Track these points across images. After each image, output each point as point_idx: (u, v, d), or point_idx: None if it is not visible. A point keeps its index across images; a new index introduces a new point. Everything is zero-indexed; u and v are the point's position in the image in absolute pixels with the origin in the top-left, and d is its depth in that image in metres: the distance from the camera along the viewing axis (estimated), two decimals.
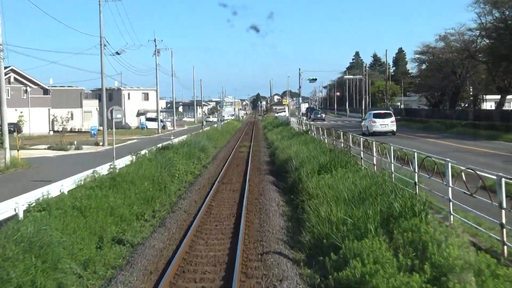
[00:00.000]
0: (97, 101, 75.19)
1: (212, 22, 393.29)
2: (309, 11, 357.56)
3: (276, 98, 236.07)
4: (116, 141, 47.25)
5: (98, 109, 74.04)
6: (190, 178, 21.30)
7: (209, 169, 24.44)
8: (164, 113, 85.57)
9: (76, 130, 68.69)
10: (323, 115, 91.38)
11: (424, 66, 70.69)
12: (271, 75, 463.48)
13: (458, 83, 60.13)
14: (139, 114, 78.50)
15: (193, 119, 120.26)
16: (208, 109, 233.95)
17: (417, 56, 70.19)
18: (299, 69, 70.84)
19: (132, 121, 78.54)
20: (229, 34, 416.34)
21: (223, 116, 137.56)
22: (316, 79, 70.51)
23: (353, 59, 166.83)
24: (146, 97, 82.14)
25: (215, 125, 56.44)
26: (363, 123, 41.39)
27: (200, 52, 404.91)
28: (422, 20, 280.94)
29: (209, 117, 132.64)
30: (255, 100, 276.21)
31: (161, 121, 77.10)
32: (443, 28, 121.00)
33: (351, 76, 74.82)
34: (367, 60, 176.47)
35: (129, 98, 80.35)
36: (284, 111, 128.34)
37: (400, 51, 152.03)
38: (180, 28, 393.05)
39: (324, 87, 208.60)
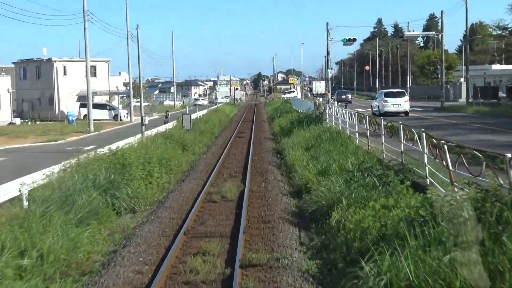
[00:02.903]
0: (9, 78, 48.16)
1: None
2: None
3: (280, 76, 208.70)
4: None
5: (10, 90, 47.06)
6: None
7: None
8: (119, 96, 58.31)
9: None
10: (349, 96, 68.03)
11: None
12: (274, 51, 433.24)
13: None
14: (81, 97, 51.33)
15: (177, 103, 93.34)
16: (204, 89, 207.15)
17: None
18: (327, 23, 43.97)
19: (71, 108, 51.58)
20: (227, 7, 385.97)
21: (216, 99, 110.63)
22: (355, 40, 43.74)
23: (374, 28, 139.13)
24: (93, 72, 54.86)
25: (184, 119, 29.31)
26: (373, 103, 38.75)
27: (196, 28, 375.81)
28: None
29: (198, 99, 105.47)
30: (257, 80, 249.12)
31: (113, 108, 50.43)
32: None
33: (416, 33, 47.37)
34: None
35: (65, 73, 53.27)
36: (294, 91, 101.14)
37: (432, 17, 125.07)
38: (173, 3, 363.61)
39: (336, 63, 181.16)
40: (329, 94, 43.95)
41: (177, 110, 73.53)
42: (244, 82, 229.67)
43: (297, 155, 18.17)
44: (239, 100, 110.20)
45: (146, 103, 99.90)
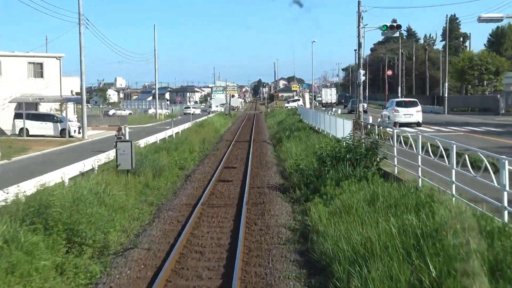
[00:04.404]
0: None
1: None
2: None
3: (281, 83, 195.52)
4: None
5: None
6: None
7: None
8: (75, 103, 44.83)
9: None
10: (365, 105, 55.63)
11: None
12: (275, 57, 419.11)
13: None
14: (23, 105, 37.75)
15: (164, 111, 79.72)
16: (201, 96, 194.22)
17: None
18: (359, 3, 30.70)
19: (6, 119, 38.43)
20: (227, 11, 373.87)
21: (210, 107, 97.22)
22: (399, 27, 30.53)
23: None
24: (38, 70, 41.46)
25: (120, 152, 15.88)
26: (384, 113, 37.35)
27: (195, 33, 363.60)
28: None
29: (189, 107, 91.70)
30: (257, 87, 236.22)
31: (60, 121, 37.21)
32: None
33: (497, 15, 34.19)
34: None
35: (0, 72, 39.82)
36: (299, 100, 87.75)
37: (453, 19, 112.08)
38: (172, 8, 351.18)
39: (343, 69, 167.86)
40: (363, 105, 30.48)
41: (159, 121, 60.14)
42: (244, 89, 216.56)
43: None
44: (236, 109, 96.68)
45: (127, 111, 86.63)
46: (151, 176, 17.15)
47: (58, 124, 36.71)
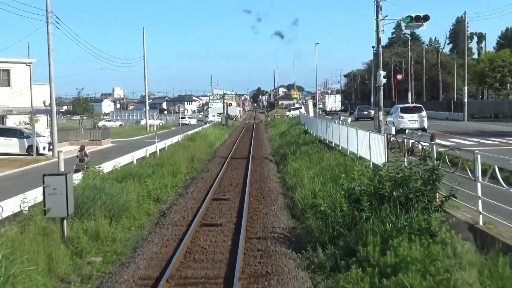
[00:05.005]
0: None
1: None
2: None
3: (281, 91, 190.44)
4: None
5: None
6: None
7: None
8: (48, 115, 39.56)
9: None
10: (372, 112, 54.64)
11: None
12: (274, 65, 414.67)
13: None
14: None
15: (157, 122, 74.51)
16: (199, 105, 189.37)
17: None
18: None
19: None
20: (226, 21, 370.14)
21: (207, 117, 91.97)
22: (427, 18, 25.17)
23: (393, 33, 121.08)
24: (4, 78, 36.39)
25: (49, 196, 10.57)
26: (388, 119, 35.59)
27: (193, 42, 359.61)
28: None
29: (185, 117, 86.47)
30: (256, 95, 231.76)
31: (27, 136, 32.07)
32: None
33: None
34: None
35: None
36: (301, 107, 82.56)
37: (460, 20, 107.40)
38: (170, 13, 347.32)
39: (345, 76, 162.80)
40: (380, 113, 25.20)
41: (150, 132, 55.00)
42: (243, 97, 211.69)
43: None
44: (234, 119, 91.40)
45: (118, 123, 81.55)
46: (106, 220, 11.94)
47: (25, 140, 31.52)
